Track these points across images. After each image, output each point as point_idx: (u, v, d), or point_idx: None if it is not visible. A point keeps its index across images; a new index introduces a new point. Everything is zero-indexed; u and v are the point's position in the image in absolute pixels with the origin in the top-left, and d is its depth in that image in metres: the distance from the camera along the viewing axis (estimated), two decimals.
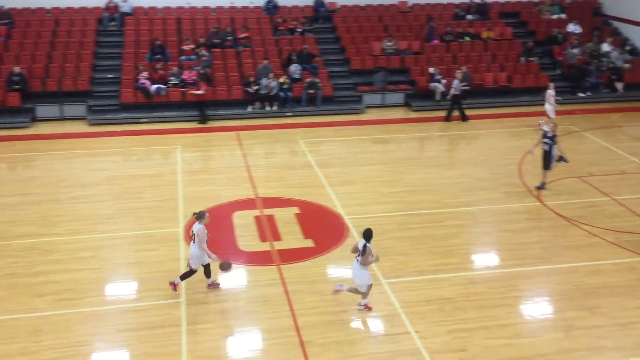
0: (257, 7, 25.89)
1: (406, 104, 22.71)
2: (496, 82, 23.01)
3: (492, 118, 21.27)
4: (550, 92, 19.95)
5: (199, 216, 10.38)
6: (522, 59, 24.00)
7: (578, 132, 19.57)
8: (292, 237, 12.85)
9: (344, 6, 26.37)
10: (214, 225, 13.48)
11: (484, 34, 24.87)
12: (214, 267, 10.73)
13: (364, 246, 9.85)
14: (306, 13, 25.81)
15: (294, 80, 22.06)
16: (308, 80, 21.84)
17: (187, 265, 10.68)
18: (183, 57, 22.66)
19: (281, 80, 21.65)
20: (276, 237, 12.87)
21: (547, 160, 14.81)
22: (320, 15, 25.88)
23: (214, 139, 19.33)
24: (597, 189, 15.16)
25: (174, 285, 10.66)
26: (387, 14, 26.12)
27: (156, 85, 21.14)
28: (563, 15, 26.73)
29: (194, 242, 10.36)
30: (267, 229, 13.19)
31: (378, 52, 23.86)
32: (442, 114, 21.58)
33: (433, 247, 12.43)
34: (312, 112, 21.70)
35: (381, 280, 11.19)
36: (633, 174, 16.17)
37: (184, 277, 10.64)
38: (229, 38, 23.56)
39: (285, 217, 13.69)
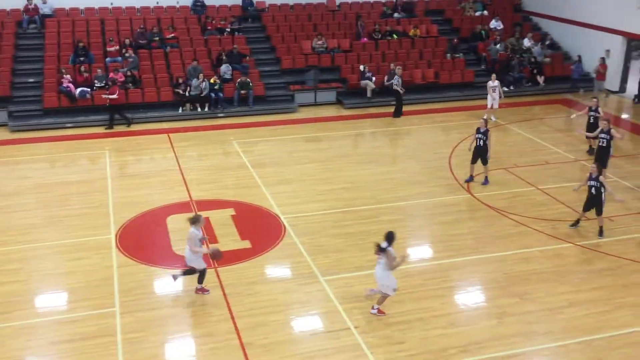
0: (183, 7, 25.48)
1: (338, 102, 22.90)
2: (424, 79, 23.52)
3: (422, 114, 21.73)
4: (491, 84, 20.64)
5: (194, 220, 10.29)
6: (448, 55, 24.64)
7: (503, 125, 20.26)
8: (229, 239, 12.73)
9: (272, 5, 26.31)
10: (148, 230, 13.21)
11: (411, 32, 25.38)
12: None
13: (386, 249, 9.71)
14: (234, 12, 25.61)
15: (225, 81, 21.84)
16: (239, 80, 21.67)
17: (186, 265, 10.56)
18: (108, 59, 22.04)
19: (212, 80, 21.40)
20: (212, 239, 12.71)
21: (482, 155, 15.19)
22: (249, 15, 25.73)
23: (144, 142, 18.89)
24: (522, 179, 15.74)
25: (201, 291, 10.66)
26: (315, 12, 26.24)
27: (81, 89, 20.48)
28: (485, 12, 27.61)
29: (187, 245, 10.31)
30: (203, 231, 12.98)
31: (308, 51, 23.94)
32: (374, 110, 21.92)
33: (369, 242, 12.49)
34: (244, 113, 21.55)
35: (319, 277, 11.25)
36: (556, 164, 16.88)
37: (200, 280, 10.60)
38: (156, 38, 23.09)
39: (221, 219, 13.54)
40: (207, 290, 10.81)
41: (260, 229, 13.27)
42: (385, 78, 22.54)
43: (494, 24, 26.52)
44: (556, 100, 23.38)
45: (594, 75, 23.59)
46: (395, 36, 25.10)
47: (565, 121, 20.60)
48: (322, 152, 18.12)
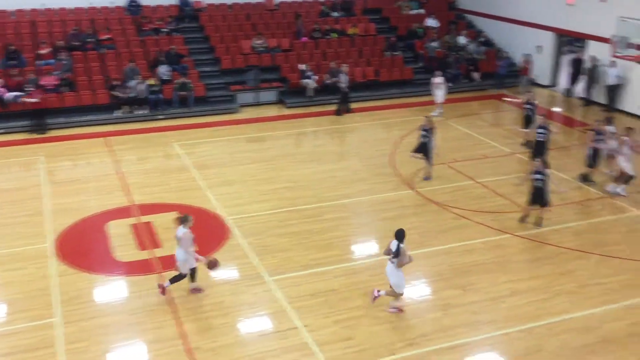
0: (118, 7, 24.86)
1: (280, 101, 22.84)
2: (365, 77, 23.75)
3: (363, 111, 21.93)
4: (435, 80, 21.15)
5: (183, 220, 10.17)
6: (387, 53, 24.96)
7: (442, 120, 20.66)
8: (173, 243, 12.41)
9: (210, 5, 26.00)
10: (87, 237, 12.83)
11: (350, 30, 25.58)
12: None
13: (398, 247, 9.69)
14: (171, 12, 25.16)
15: (163, 82, 21.44)
16: (178, 81, 21.32)
17: (176, 269, 10.41)
18: (41, 62, 21.27)
19: (150, 82, 20.97)
20: (156, 244, 12.46)
21: (425, 152, 15.40)
22: (186, 14, 25.33)
23: (80, 146, 18.32)
24: (462, 173, 16.10)
25: (162, 289, 10.41)
26: (254, 12, 26.09)
27: (12, 93, 19.69)
28: (421, 11, 28.10)
29: (179, 246, 10.16)
30: (146, 236, 12.74)
31: (248, 51, 23.79)
32: (316, 109, 21.99)
33: (314, 241, 12.62)
34: (184, 114, 21.22)
35: (266, 278, 11.19)
36: (493, 157, 17.35)
37: (173, 280, 10.40)
38: (91, 40, 22.44)
39: (164, 223, 13.27)
40: (202, 290, 10.69)
41: (205, 232, 13.07)
42: (326, 77, 22.66)
43: (430, 22, 27.02)
44: (491, 95, 24.02)
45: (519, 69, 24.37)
46: (334, 35, 25.24)
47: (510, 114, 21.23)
48: (265, 152, 18.04)
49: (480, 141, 18.75)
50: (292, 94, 22.85)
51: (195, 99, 21.45)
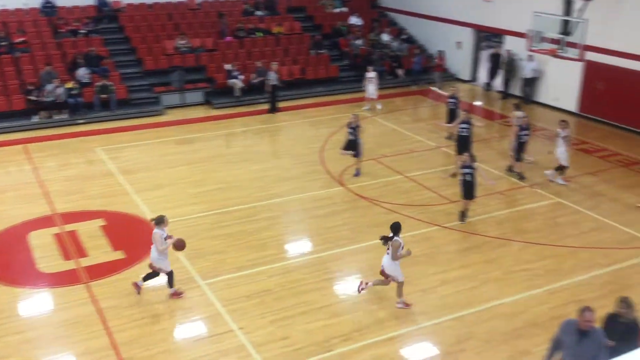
0: (32, 9, 23.83)
1: (207, 102, 22.54)
2: (291, 75, 23.77)
3: (291, 110, 21.96)
4: (368, 75, 21.56)
5: (158, 221, 10.12)
6: (313, 51, 25.08)
7: (370, 117, 20.97)
8: (100, 251, 12.13)
9: (129, 5, 25.32)
10: (8, 249, 12.25)
11: (275, 29, 25.54)
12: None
13: (391, 239, 9.92)
14: (89, 13, 24.35)
15: (83, 85, 20.73)
16: (99, 84, 20.66)
17: (150, 267, 10.40)
18: None
19: (69, 85, 20.22)
20: (81, 253, 12.05)
21: (353, 148, 15.55)
22: (104, 15, 24.58)
23: None
24: (390, 168, 16.40)
25: (176, 295, 10.51)
26: (176, 11, 25.62)
27: None
28: (345, 9, 28.39)
29: (154, 246, 10.20)
30: (70, 245, 12.30)
31: (171, 51, 23.34)
32: (244, 109, 21.85)
33: (248, 242, 12.54)
34: (107, 118, 20.59)
35: (199, 281, 11.04)
36: (419, 151, 17.76)
37: (170, 283, 10.50)
38: (4, 43, 21.40)
39: (90, 231, 12.87)
40: (182, 293, 10.57)
41: (134, 238, 12.76)
42: (253, 76, 22.54)
43: (353, 20, 27.34)
44: (415, 91, 24.56)
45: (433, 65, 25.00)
46: (259, 34, 25.13)
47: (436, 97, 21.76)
48: (194, 153, 17.76)
49: (407, 136, 19.15)
50: (219, 95, 22.59)
51: (117, 101, 20.86)
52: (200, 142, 18.81)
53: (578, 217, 13.70)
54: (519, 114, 16.00)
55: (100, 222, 13.32)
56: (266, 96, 21.82)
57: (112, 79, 21.27)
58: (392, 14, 29.18)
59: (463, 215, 13.37)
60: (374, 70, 21.87)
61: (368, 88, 21.64)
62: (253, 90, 22.49)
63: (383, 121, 20.72)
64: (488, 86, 24.70)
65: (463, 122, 15.53)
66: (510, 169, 15.88)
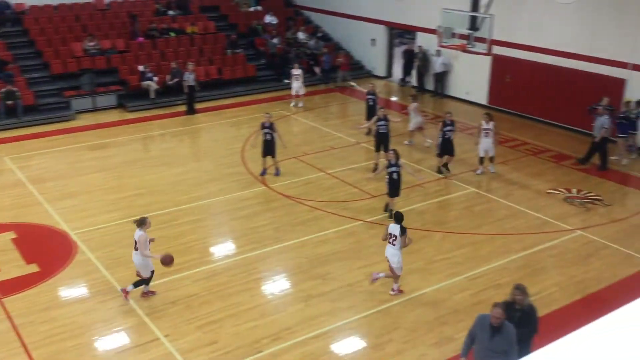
0: None
1: (120, 106, 21.85)
2: (208, 76, 23.43)
3: (210, 111, 21.65)
4: (294, 72, 21.69)
5: (140, 222, 10.05)
6: (229, 51, 24.82)
7: (289, 115, 20.99)
8: (12, 266, 11.52)
9: (33, 7, 24.18)
10: None
11: (189, 29, 25.09)
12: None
13: (402, 228, 10.21)
14: None
15: None
16: (4, 90, 19.60)
17: (137, 274, 10.21)
18: None
19: None
20: None
21: (269, 148, 15.46)
22: (6, 18, 23.35)
23: None
24: (312, 166, 16.49)
25: (125, 293, 10.27)
26: (83, 12, 24.69)
27: None
28: (259, 8, 28.27)
29: (136, 249, 10.03)
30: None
31: (80, 54, 22.48)
32: (160, 111, 21.36)
33: (171, 247, 12.22)
34: (13, 125, 19.57)
35: (120, 291, 10.68)
36: (340, 148, 17.94)
37: (137, 284, 10.26)
38: None
39: (0, 245, 12.20)
40: (154, 292, 10.51)
41: (48, 250, 12.21)
42: (168, 77, 22.06)
43: (268, 18, 27.27)
44: (333, 88, 24.79)
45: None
46: (172, 34, 24.62)
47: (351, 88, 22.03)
48: (109, 159, 17.17)
49: (327, 133, 19.30)
50: (133, 97, 21.95)
51: (24, 108, 19.87)
52: (115, 147, 18.21)
53: (493, 205, 14.26)
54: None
55: (10, 234, 12.66)
56: (183, 97, 21.41)
57: (18, 84, 20.24)
58: (307, 12, 29.32)
59: (387, 209, 13.53)
60: (299, 68, 21.96)
61: (294, 85, 21.69)
62: (169, 92, 22.02)
63: (302, 119, 20.80)
64: (403, 82, 25.28)
65: (380, 120, 15.78)
66: (440, 167, 16.06)
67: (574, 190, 15.00)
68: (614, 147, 16.77)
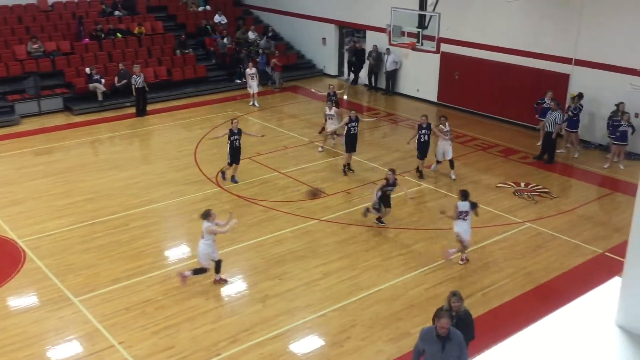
0: None
1: (67, 109, 21.29)
2: (157, 77, 23.06)
3: (161, 112, 21.31)
4: (249, 71, 21.54)
5: (205, 215, 10.47)
6: (178, 51, 24.48)
7: (241, 116, 20.85)
8: None
9: None
10: None
11: (136, 30, 24.63)
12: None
13: (472, 203, 11.20)
14: None
15: None
16: None
17: (202, 268, 10.65)
18: None
19: None
20: None
21: (239, 155, 15.13)
22: None
23: None
24: (266, 166, 16.42)
25: (183, 278, 10.62)
26: (26, 14, 23.96)
27: None
28: (208, 7, 27.97)
29: (202, 238, 10.49)
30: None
31: (24, 56, 21.80)
32: (109, 114, 20.93)
33: (123, 252, 12.03)
34: None
35: (72, 299, 10.43)
36: (294, 147, 17.93)
37: (196, 272, 10.66)
38: None
39: None
40: (226, 281, 10.96)
41: None
42: (116, 79, 21.63)
43: (217, 18, 27.02)
44: (286, 87, 24.74)
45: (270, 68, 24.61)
46: (119, 35, 24.13)
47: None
48: (56, 164, 16.71)
49: (280, 133, 19.26)
50: (79, 100, 21.42)
51: None
52: (63, 152, 17.74)
53: (445, 200, 14.50)
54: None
55: None
56: (132, 99, 21.02)
57: None
58: (257, 12, 29.18)
59: (366, 213, 13.17)
60: (255, 67, 21.83)
61: (250, 84, 21.55)
62: (117, 94, 21.59)
63: (255, 119, 20.70)
64: (354, 81, 25.43)
65: (352, 120, 15.73)
66: (417, 169, 15.97)
67: (522, 184, 15.40)
68: (561, 141, 17.28)
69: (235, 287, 11.01)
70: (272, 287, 10.87)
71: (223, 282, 10.99)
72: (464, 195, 11.32)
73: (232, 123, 15.21)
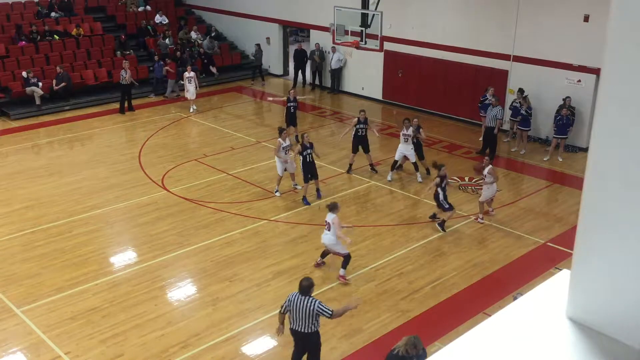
0: None
1: (3, 114, 20.52)
2: (97, 79, 22.49)
3: (101, 115, 20.79)
4: (186, 75, 20.88)
5: (332, 207, 10.84)
6: (118, 52, 23.92)
7: (187, 117, 20.58)
8: None
9: None
10: None
11: (74, 31, 23.94)
12: None
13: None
14: None
15: None
16: None
17: (336, 254, 10.96)
18: None
19: None
20: None
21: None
22: None
23: None
24: (213, 167, 16.25)
25: (343, 279, 10.93)
26: None
27: None
28: (148, 7, 27.44)
29: (328, 230, 10.76)
30: None
31: None
32: (48, 118, 20.32)
33: (66, 260, 11.69)
34: None
35: (14, 310, 10.07)
36: (240, 148, 17.79)
37: (344, 264, 10.90)
38: None
39: None
40: (324, 262, 11.32)
41: None
42: (54, 82, 20.99)
43: (158, 18, 26.55)
44: (230, 88, 24.55)
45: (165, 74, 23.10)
46: (56, 37, 23.41)
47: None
48: None
49: (226, 134, 19.09)
50: (16, 105, 20.68)
51: None
52: (0, 158, 17.10)
53: (392, 197, 14.68)
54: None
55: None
56: (71, 103, 20.42)
57: None
58: (199, 12, 28.83)
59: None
60: (193, 70, 21.30)
61: (188, 88, 21.01)
62: (56, 98, 20.95)
63: (200, 120, 20.44)
64: (298, 79, 25.42)
65: (360, 122, 15.54)
66: (371, 167, 16.01)
67: (466, 178, 15.74)
68: (513, 141, 17.73)
69: (184, 291, 10.85)
70: (223, 290, 10.77)
71: (345, 280, 11.08)
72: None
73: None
